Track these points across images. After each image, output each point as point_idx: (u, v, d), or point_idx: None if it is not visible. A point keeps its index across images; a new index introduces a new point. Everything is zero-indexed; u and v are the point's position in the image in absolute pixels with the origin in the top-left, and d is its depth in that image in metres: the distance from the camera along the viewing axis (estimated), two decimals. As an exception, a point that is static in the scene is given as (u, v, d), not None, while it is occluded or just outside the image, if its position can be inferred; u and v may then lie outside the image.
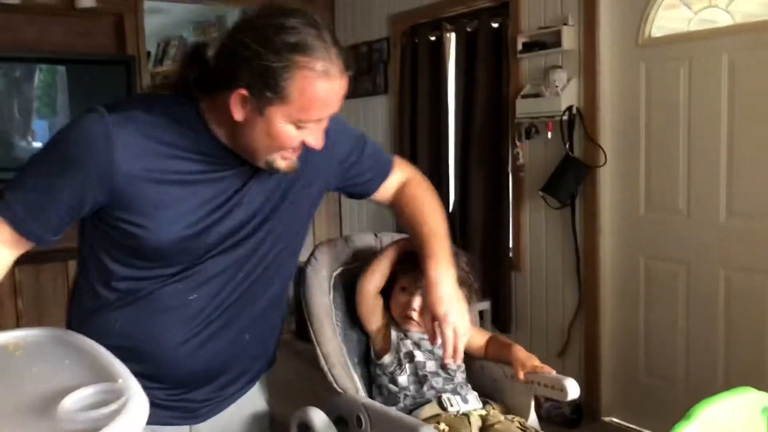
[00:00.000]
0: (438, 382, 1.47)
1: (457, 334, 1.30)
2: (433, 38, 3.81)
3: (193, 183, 1.18)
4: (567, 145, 3.01)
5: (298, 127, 1.14)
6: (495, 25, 3.45)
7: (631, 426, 3.00)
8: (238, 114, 1.12)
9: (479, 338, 1.59)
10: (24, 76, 3.60)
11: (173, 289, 1.22)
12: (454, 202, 3.73)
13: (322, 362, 1.47)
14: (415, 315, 1.49)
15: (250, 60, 1.09)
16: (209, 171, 1.19)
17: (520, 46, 3.21)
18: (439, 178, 3.79)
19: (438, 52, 3.78)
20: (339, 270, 1.60)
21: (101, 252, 1.22)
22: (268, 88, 1.09)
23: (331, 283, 1.57)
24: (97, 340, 1.15)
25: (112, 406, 0.88)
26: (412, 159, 3.91)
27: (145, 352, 1.23)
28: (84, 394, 0.91)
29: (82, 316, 1.27)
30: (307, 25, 1.11)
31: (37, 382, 0.99)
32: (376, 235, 1.71)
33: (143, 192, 1.14)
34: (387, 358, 1.49)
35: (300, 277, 1.56)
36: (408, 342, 1.50)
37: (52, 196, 1.13)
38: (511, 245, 3.40)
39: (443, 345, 1.32)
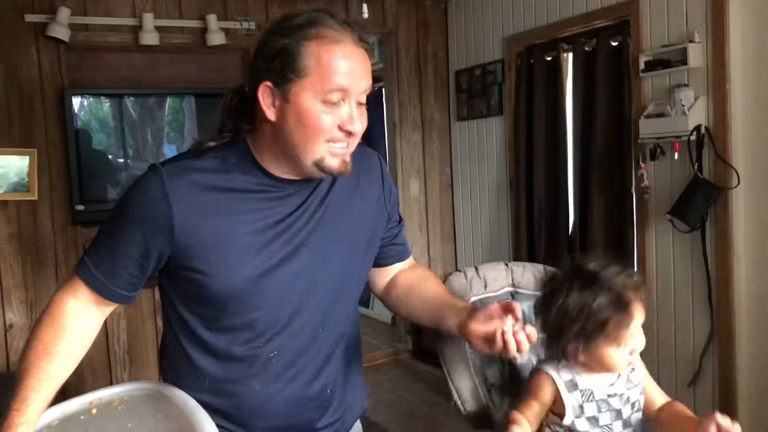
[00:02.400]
0: None
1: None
2: (549, 58, 3.78)
3: (250, 222, 1.18)
4: (696, 166, 2.90)
5: (327, 104, 1.12)
6: (614, 43, 3.38)
7: (772, 463, 2.82)
8: (270, 111, 1.13)
9: (657, 394, 1.45)
10: (157, 105, 3.88)
11: (253, 347, 1.22)
12: (574, 223, 3.66)
13: (457, 400, 1.47)
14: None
15: (267, 53, 1.13)
16: (265, 208, 1.19)
17: (642, 65, 3.13)
18: (558, 199, 3.74)
19: (554, 72, 3.74)
20: (471, 300, 1.62)
21: (182, 308, 1.24)
22: (286, 69, 1.10)
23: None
24: (190, 394, 1.21)
25: None
26: (529, 181, 3.90)
27: (232, 409, 1.24)
28: None
29: (174, 370, 1.29)
30: (317, 10, 1.16)
31: None
32: (506, 265, 1.73)
33: (201, 238, 1.15)
34: (566, 421, 1.35)
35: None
36: (592, 404, 1.36)
37: (122, 254, 1.16)
38: (635, 270, 3.30)
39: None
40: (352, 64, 1.12)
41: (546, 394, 1.35)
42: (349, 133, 1.15)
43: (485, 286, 1.66)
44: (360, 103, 1.16)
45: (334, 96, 1.12)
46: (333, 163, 1.16)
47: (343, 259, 1.27)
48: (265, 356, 1.23)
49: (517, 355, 1.20)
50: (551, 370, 1.36)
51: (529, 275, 1.72)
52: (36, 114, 3.49)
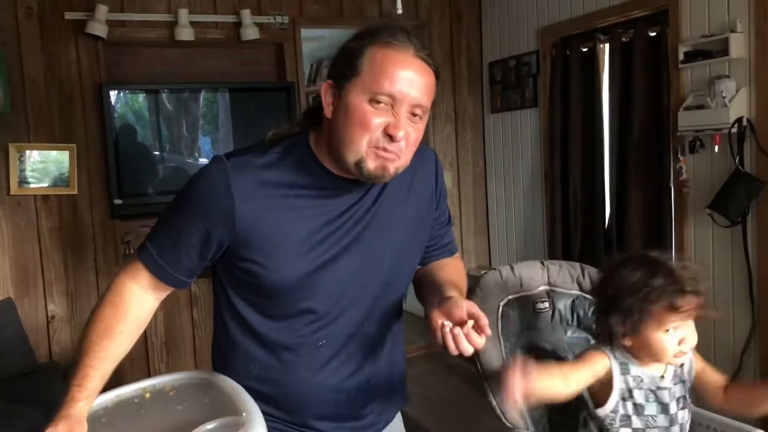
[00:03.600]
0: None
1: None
2: (585, 49, 3.72)
3: (307, 219, 1.21)
4: (737, 159, 2.83)
5: (374, 105, 1.13)
6: (652, 34, 3.32)
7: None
8: (328, 109, 1.18)
9: (716, 377, 1.44)
10: (191, 98, 3.92)
11: (303, 336, 1.26)
12: (610, 217, 3.61)
13: (490, 396, 1.48)
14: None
15: (337, 55, 1.19)
16: (322, 205, 1.23)
17: (681, 56, 3.06)
18: (594, 192, 3.69)
19: (590, 63, 3.68)
20: (506, 299, 1.61)
21: (234, 296, 1.28)
22: (345, 67, 1.15)
23: (499, 313, 1.59)
24: (239, 381, 1.25)
25: None
26: (564, 174, 3.85)
27: (279, 397, 1.29)
28: (210, 427, 1.07)
29: (223, 358, 1.34)
30: (392, 24, 1.18)
31: (178, 418, 1.16)
32: (542, 263, 1.71)
33: (260, 231, 1.19)
34: (609, 405, 1.36)
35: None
36: (641, 392, 1.37)
37: (183, 241, 1.21)
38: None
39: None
40: (406, 73, 1.14)
41: (600, 366, 1.35)
42: (392, 139, 1.14)
43: (521, 284, 1.65)
44: (414, 116, 1.16)
45: (382, 99, 1.13)
46: (372, 164, 1.16)
47: (392, 256, 1.30)
48: (314, 345, 1.27)
49: (456, 351, 1.11)
50: (607, 350, 1.36)
51: (565, 274, 1.70)
52: (75, 109, 3.56)
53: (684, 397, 1.40)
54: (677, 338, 1.32)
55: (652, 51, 3.31)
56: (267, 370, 1.29)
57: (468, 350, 1.10)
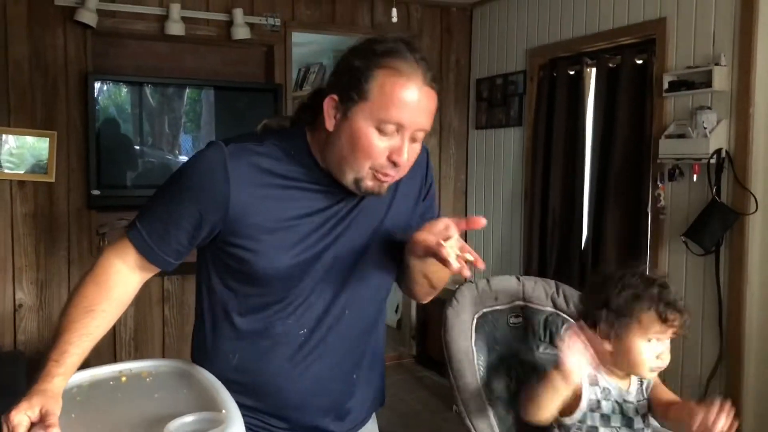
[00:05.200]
0: None
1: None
2: (572, 72, 3.77)
3: (300, 209, 1.23)
4: (714, 190, 2.88)
5: (381, 132, 1.15)
6: (639, 61, 3.37)
7: (773, 493, 2.79)
8: (330, 122, 1.18)
9: (667, 395, 1.48)
10: (175, 95, 3.90)
11: (285, 324, 1.26)
12: (587, 238, 3.65)
13: (461, 407, 1.48)
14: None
15: (341, 69, 1.19)
16: (313, 198, 1.24)
17: (665, 85, 3.11)
18: (572, 213, 3.73)
19: (577, 86, 3.73)
20: (481, 312, 1.62)
21: (218, 282, 1.28)
22: (353, 89, 1.15)
23: (473, 325, 1.59)
24: (216, 374, 1.25)
25: None
26: (544, 193, 3.89)
27: (258, 387, 1.29)
28: (188, 420, 1.05)
29: (202, 349, 1.34)
30: (399, 41, 1.18)
31: (154, 406, 1.15)
32: (518, 278, 1.72)
33: (253, 218, 1.20)
34: (577, 415, 1.39)
35: (441, 318, 1.59)
36: (608, 403, 1.41)
37: (175, 223, 1.21)
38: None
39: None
40: (414, 102, 1.15)
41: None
42: (395, 164, 1.18)
43: (496, 298, 1.66)
44: (414, 140, 1.20)
45: (389, 127, 1.15)
46: (370, 184, 1.20)
47: (377, 249, 1.31)
48: (294, 334, 1.27)
49: (459, 269, 1.10)
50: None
51: (540, 290, 1.72)
52: (59, 97, 3.52)
53: (647, 414, 1.44)
54: (656, 352, 1.37)
55: (637, 78, 3.36)
56: (247, 361, 1.28)
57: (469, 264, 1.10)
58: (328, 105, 1.19)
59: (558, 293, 1.73)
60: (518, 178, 4.18)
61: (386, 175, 1.19)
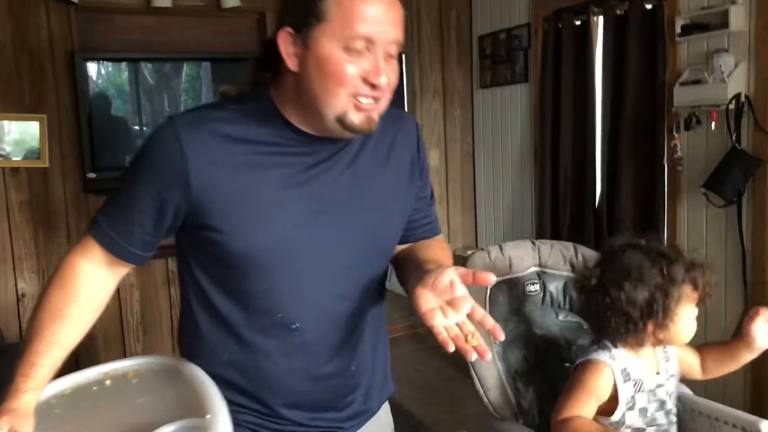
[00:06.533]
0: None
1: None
2: (578, 23, 3.61)
3: (271, 179, 1.10)
4: (734, 137, 2.74)
5: (349, 52, 1.03)
6: (648, 6, 3.20)
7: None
8: (291, 61, 1.06)
9: (691, 357, 1.46)
10: (173, 72, 3.79)
11: (274, 317, 1.15)
12: (601, 196, 3.53)
13: (477, 385, 1.40)
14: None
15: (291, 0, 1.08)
16: (287, 163, 1.11)
17: (678, 29, 2.95)
18: (584, 171, 3.60)
19: (584, 37, 3.57)
20: (495, 282, 1.51)
21: (199, 272, 1.17)
22: (308, 13, 1.03)
23: (487, 296, 1.49)
24: (206, 369, 1.15)
25: None
26: (554, 151, 3.76)
27: (251, 383, 1.19)
28: (171, 429, 0.98)
29: (190, 344, 1.24)
30: None
31: (139, 412, 1.08)
32: (533, 243, 1.62)
33: (219, 192, 1.08)
34: (615, 417, 1.31)
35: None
36: (642, 395, 1.34)
37: (136, 209, 1.11)
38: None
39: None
40: (378, 11, 1.02)
41: (604, 387, 1.30)
42: (374, 86, 1.05)
43: (510, 266, 1.56)
44: (390, 56, 1.06)
45: (357, 44, 1.02)
46: (356, 118, 1.06)
47: (369, 228, 1.19)
48: (286, 327, 1.16)
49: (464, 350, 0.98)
50: (607, 360, 1.29)
51: (557, 254, 1.61)
52: (46, 78, 3.40)
53: (674, 392, 1.40)
54: (695, 314, 1.36)
55: (647, 24, 3.20)
56: (237, 356, 1.18)
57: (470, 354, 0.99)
58: (285, 41, 1.05)
59: (577, 256, 1.62)
60: (527, 137, 4.05)
61: (369, 99, 1.06)
